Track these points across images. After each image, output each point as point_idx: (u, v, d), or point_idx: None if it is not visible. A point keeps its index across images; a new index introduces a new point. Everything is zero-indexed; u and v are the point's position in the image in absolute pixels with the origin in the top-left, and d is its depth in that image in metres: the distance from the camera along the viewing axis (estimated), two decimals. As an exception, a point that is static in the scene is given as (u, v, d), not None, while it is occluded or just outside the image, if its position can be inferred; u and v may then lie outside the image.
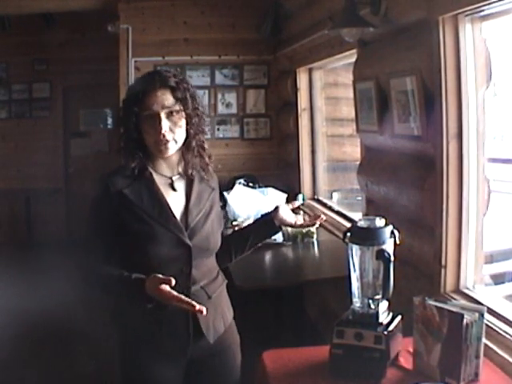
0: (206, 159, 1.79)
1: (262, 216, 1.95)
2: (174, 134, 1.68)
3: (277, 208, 1.90)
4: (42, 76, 6.83)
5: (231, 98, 5.28)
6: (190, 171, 1.77)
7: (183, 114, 1.69)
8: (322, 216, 1.95)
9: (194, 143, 1.74)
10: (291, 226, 1.94)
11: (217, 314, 1.79)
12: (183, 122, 1.69)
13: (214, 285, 1.80)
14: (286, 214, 1.90)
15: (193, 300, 1.65)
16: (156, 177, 1.74)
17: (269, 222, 1.90)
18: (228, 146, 5.05)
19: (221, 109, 5.26)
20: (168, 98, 1.67)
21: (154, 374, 1.74)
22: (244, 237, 1.93)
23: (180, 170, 1.78)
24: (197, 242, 1.71)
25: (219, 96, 5.26)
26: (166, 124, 1.66)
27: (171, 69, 1.83)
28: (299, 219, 1.92)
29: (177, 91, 1.67)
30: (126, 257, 1.73)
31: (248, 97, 5.34)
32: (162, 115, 1.66)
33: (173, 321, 1.69)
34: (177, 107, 1.67)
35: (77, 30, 6.57)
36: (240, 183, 4.42)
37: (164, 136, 1.66)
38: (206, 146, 1.78)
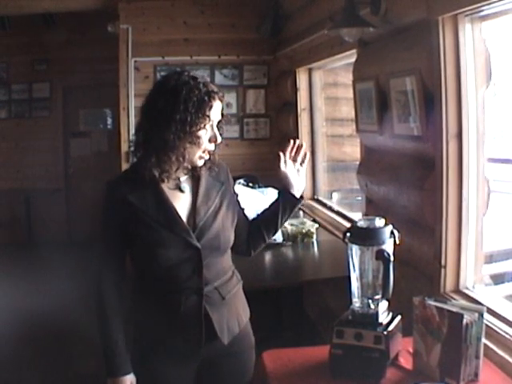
0: (217, 157, 1.80)
1: (280, 193, 1.90)
2: None
3: (287, 179, 1.84)
4: (41, 76, 6.83)
5: (231, 98, 5.27)
6: (197, 169, 1.75)
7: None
8: (297, 141, 1.87)
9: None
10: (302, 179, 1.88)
11: (231, 315, 1.77)
12: None
13: (229, 285, 1.79)
14: (294, 176, 1.85)
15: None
16: (164, 181, 1.70)
17: (290, 195, 1.86)
18: (228, 146, 5.03)
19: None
20: (220, 111, 1.70)
21: (166, 374, 1.74)
22: (273, 217, 1.88)
23: (188, 170, 1.76)
24: (206, 242, 1.69)
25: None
26: (219, 137, 1.69)
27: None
28: (302, 176, 1.87)
29: (223, 106, 1.71)
30: (137, 261, 1.74)
31: (248, 97, 5.34)
32: (215, 125, 1.68)
33: (186, 323, 1.69)
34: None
35: (77, 30, 6.57)
36: (240, 183, 4.42)
37: (213, 149, 1.69)
38: None
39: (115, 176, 1.77)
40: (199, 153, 1.68)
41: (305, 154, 1.87)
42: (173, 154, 1.63)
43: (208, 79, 1.75)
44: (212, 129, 1.68)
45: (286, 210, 1.88)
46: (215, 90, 1.67)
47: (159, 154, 1.63)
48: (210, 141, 1.68)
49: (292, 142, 1.86)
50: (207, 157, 1.71)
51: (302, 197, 1.89)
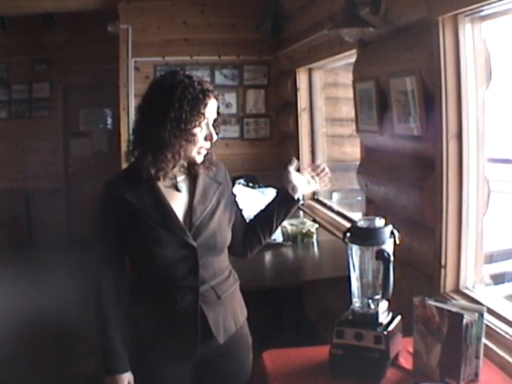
0: (215, 157, 1.80)
1: (278, 192, 1.92)
2: None
3: (290, 181, 1.87)
4: (41, 76, 6.83)
5: (231, 98, 5.27)
6: (195, 168, 1.77)
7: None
8: (323, 164, 1.94)
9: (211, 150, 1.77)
10: (309, 189, 1.93)
11: (227, 314, 1.78)
12: None
13: (225, 285, 1.79)
14: (301, 183, 1.88)
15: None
16: (160, 179, 1.71)
17: (288, 197, 1.88)
18: (228, 146, 5.04)
19: (220, 109, 5.25)
20: (216, 110, 1.71)
21: (162, 372, 1.75)
22: (269, 218, 1.90)
23: (186, 170, 1.77)
24: (202, 241, 1.70)
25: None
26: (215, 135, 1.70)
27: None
28: (313, 185, 1.91)
29: (218, 104, 1.71)
30: (134, 260, 1.75)
31: (248, 97, 5.34)
32: (211, 124, 1.69)
33: (182, 321, 1.70)
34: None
35: (77, 29, 6.57)
36: (240, 183, 4.43)
37: (209, 146, 1.69)
38: None
39: (113, 175, 1.78)
40: (195, 150, 1.69)
41: (325, 174, 1.92)
42: (169, 151, 1.65)
43: (206, 78, 1.76)
44: (207, 127, 1.69)
45: (282, 210, 1.89)
46: (210, 88, 1.68)
47: (155, 153, 1.65)
48: (205, 139, 1.69)
49: (317, 164, 1.95)
50: (204, 152, 1.72)
51: (299, 199, 1.90)
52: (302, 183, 1.89)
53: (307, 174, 1.92)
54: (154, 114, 1.63)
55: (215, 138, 1.70)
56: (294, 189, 1.87)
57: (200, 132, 1.67)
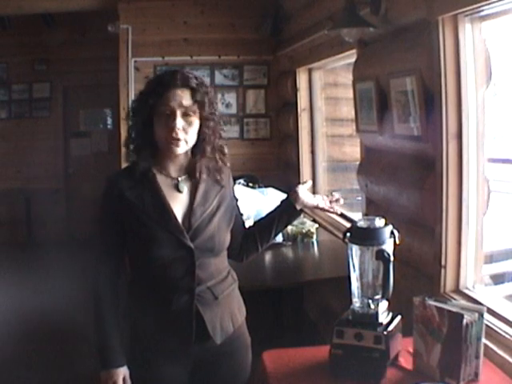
0: (220, 163, 1.79)
1: (282, 201, 1.93)
2: (187, 134, 1.67)
3: (296, 191, 1.89)
4: (41, 76, 6.83)
5: (231, 98, 5.27)
6: (198, 174, 1.76)
7: (199, 116, 1.68)
8: (336, 195, 1.95)
9: (209, 148, 1.74)
10: (315, 208, 1.94)
11: (225, 314, 1.78)
12: (197, 124, 1.69)
13: (223, 285, 1.79)
14: (307, 196, 1.90)
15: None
16: (161, 178, 1.73)
17: (290, 206, 1.89)
18: (228, 146, 5.03)
19: (220, 109, 5.24)
20: (187, 98, 1.66)
21: (159, 370, 1.75)
22: (268, 225, 1.91)
23: (188, 170, 1.77)
24: (200, 243, 1.70)
25: (219, 96, 5.24)
26: (180, 122, 1.65)
27: (193, 71, 1.80)
28: (319, 200, 1.92)
29: (196, 93, 1.67)
30: (132, 259, 1.77)
31: (248, 97, 5.34)
32: (178, 113, 1.65)
33: (177, 321, 1.71)
34: (194, 108, 1.67)
35: (77, 30, 6.58)
36: (240, 183, 4.43)
37: (176, 134, 1.65)
38: (225, 150, 1.81)
39: (115, 171, 1.79)
40: (163, 138, 1.66)
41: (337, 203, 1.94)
42: (144, 140, 1.68)
43: (206, 78, 1.77)
44: (172, 116, 1.65)
45: (283, 219, 1.90)
46: (181, 77, 1.66)
47: (136, 143, 1.70)
48: (169, 127, 1.64)
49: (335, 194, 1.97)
50: (178, 142, 1.66)
51: (301, 210, 1.91)
52: (308, 196, 1.90)
53: (318, 195, 1.95)
54: (135, 108, 1.72)
55: (178, 127, 1.64)
56: (297, 199, 1.88)
57: (166, 119, 1.64)
